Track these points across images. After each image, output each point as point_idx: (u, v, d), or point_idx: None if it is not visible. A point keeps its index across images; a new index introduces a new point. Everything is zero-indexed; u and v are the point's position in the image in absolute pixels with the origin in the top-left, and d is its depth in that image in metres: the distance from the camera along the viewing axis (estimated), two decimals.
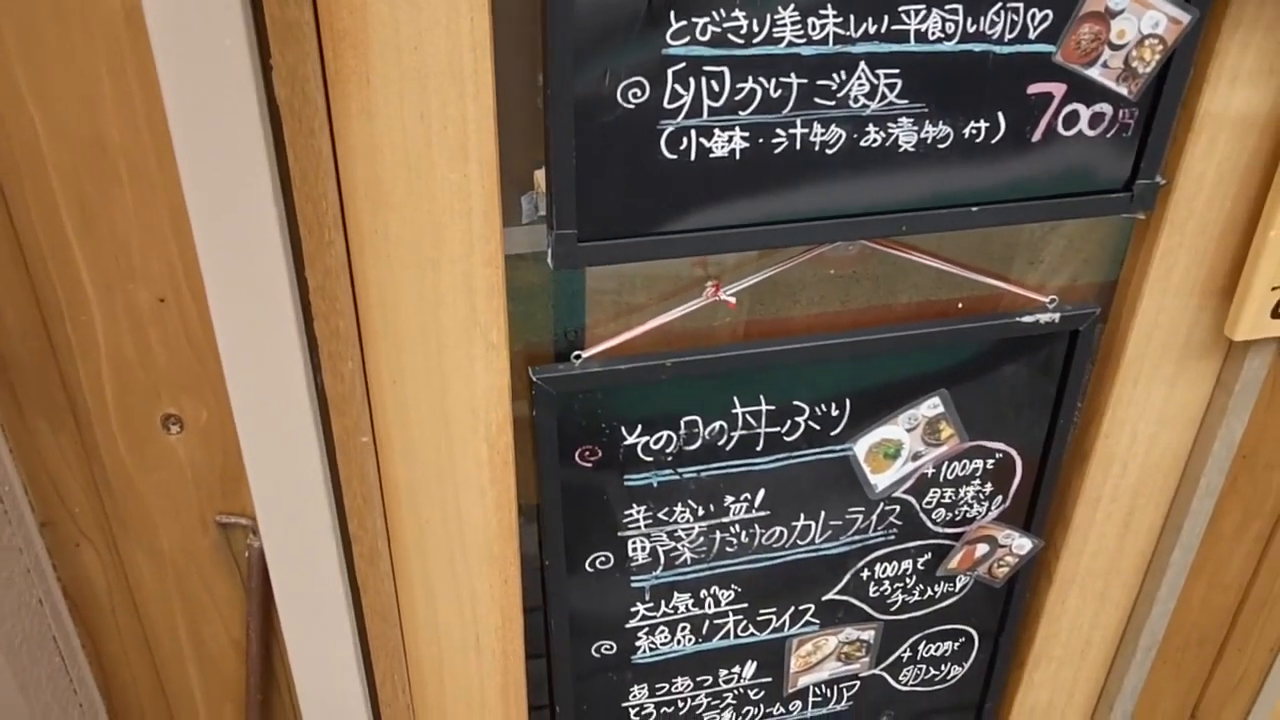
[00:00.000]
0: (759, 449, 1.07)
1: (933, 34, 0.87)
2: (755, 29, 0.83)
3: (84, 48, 0.72)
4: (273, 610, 0.98)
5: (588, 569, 1.10)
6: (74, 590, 0.95)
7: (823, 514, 1.13)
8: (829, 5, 0.84)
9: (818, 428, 1.08)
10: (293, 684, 1.04)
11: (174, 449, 0.88)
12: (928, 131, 0.92)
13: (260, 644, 0.99)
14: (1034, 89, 0.93)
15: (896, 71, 0.88)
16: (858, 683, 1.29)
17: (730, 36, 0.83)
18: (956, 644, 1.31)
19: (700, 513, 1.09)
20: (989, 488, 1.17)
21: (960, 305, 1.07)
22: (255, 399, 0.81)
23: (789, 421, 1.06)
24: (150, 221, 0.78)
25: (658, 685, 1.21)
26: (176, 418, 0.87)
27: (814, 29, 0.84)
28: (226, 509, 0.92)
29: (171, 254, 0.80)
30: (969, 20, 0.88)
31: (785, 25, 0.83)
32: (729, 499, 1.09)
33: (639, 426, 1.02)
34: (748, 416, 1.05)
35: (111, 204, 0.77)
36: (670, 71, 0.83)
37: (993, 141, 0.94)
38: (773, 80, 0.85)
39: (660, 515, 1.08)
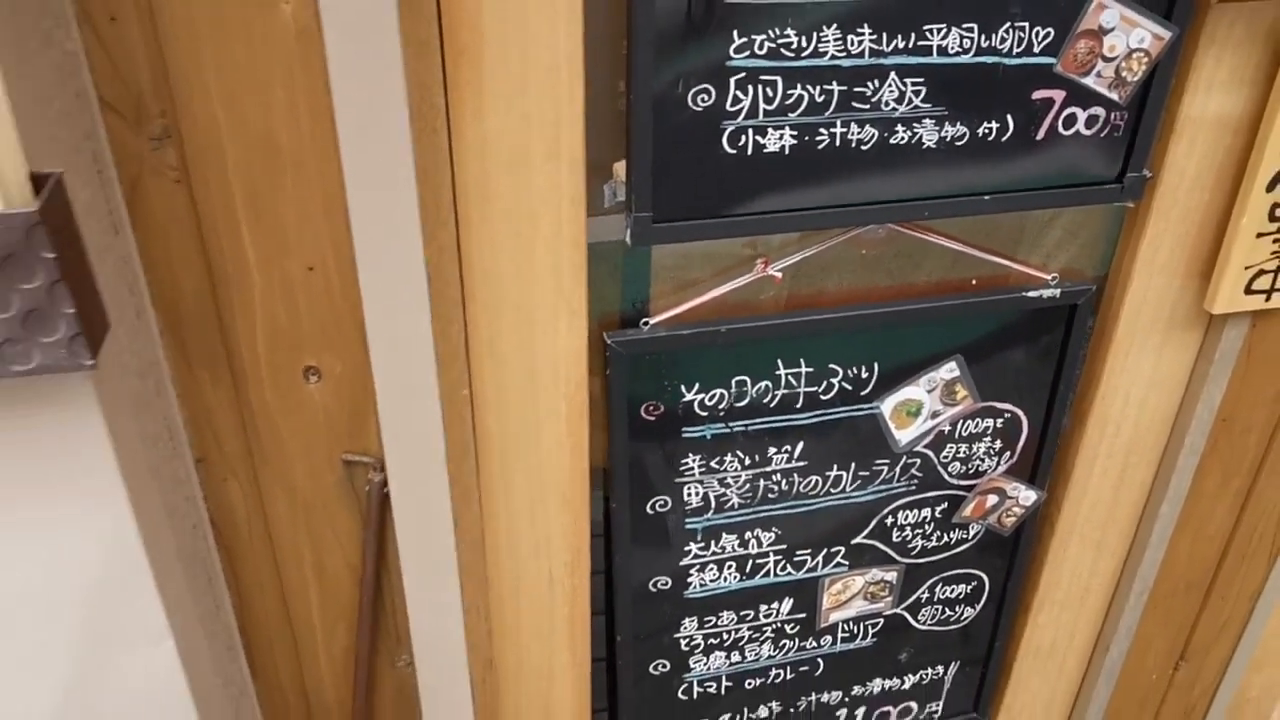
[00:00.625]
0: (798, 406, 1.23)
1: (952, 49, 1.03)
2: (804, 44, 0.99)
3: (263, 61, 0.88)
4: (386, 540, 1.14)
5: (648, 511, 1.26)
6: (219, 519, 1.11)
7: (853, 465, 1.29)
8: (865, 24, 1.00)
9: (849, 388, 1.23)
10: (397, 607, 1.20)
11: (311, 396, 1.04)
12: (947, 131, 1.08)
13: (374, 570, 1.15)
14: (1038, 95, 1.08)
15: (921, 80, 1.04)
16: (881, 620, 1.45)
17: (783, 50, 0.98)
18: (969, 587, 1.46)
19: (747, 462, 1.25)
20: (998, 444, 1.33)
21: (973, 282, 1.23)
22: (391, 353, 0.97)
23: (825, 382, 1.22)
24: (305, 205, 0.94)
25: (706, 619, 1.36)
26: (315, 369, 1.03)
27: (853, 44, 1.00)
28: (352, 449, 1.08)
29: (321, 231, 0.95)
30: (983, 37, 1.04)
31: (829, 41, 0.99)
32: (772, 450, 1.25)
33: (696, 385, 1.18)
34: (789, 377, 1.21)
35: (276, 191, 0.93)
36: (732, 80, 0.99)
37: (1002, 140, 1.10)
38: (817, 87, 1.01)
39: (712, 464, 1.24)
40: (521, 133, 1.00)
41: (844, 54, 1.00)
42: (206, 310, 0.98)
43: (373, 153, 0.88)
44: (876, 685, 1.52)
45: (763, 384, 1.21)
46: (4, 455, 0.81)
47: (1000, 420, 1.31)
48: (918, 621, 1.48)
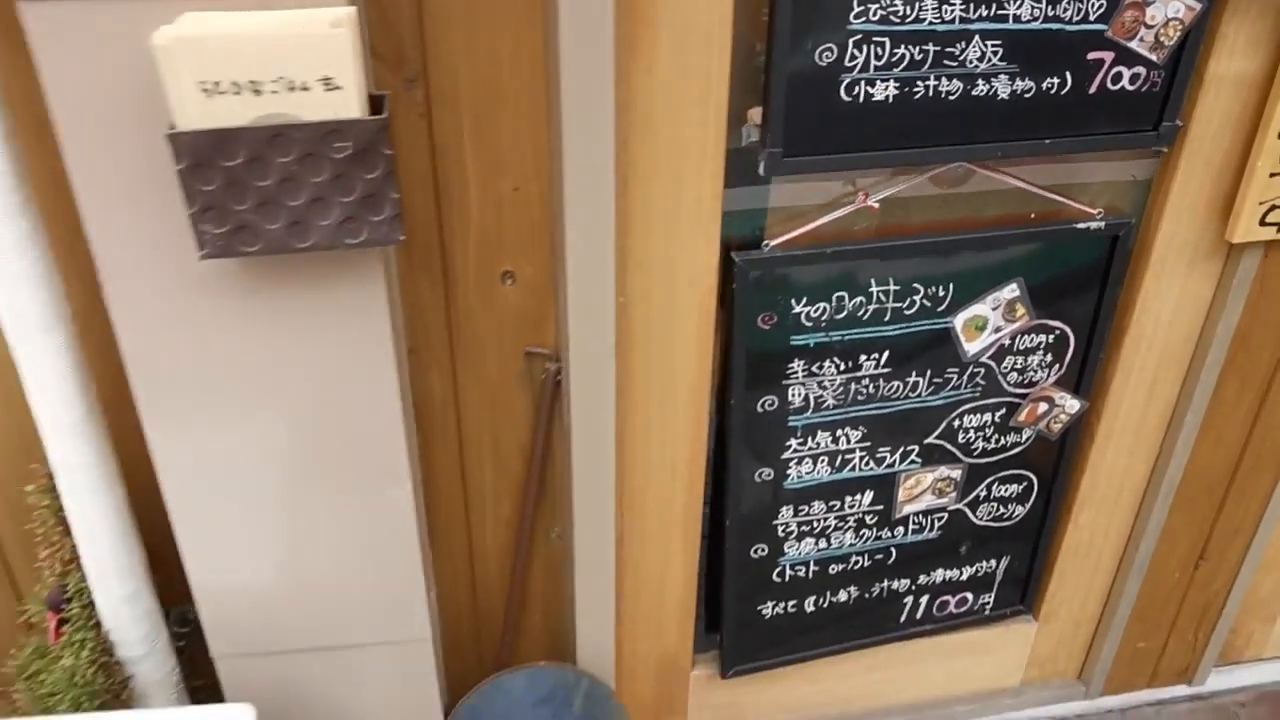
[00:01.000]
0: (886, 319, 1.46)
1: (1025, 16, 1.27)
2: (908, 12, 1.22)
3: (498, 20, 1.11)
4: (554, 424, 1.37)
5: (758, 410, 1.49)
6: (420, 403, 1.34)
7: (928, 372, 1.52)
8: None
9: (928, 304, 1.47)
10: (558, 484, 1.43)
11: (506, 297, 1.28)
12: (1017, 85, 1.31)
13: (542, 449, 1.38)
14: (1091, 56, 1.32)
15: (999, 42, 1.27)
16: (946, 515, 1.68)
17: (891, 17, 1.22)
18: (1020, 487, 1.69)
19: (841, 367, 1.48)
20: (1049, 358, 1.56)
21: (1032, 216, 1.47)
22: (581, 260, 1.21)
23: (908, 299, 1.46)
24: (517, 136, 1.17)
25: (800, 507, 1.60)
26: (511, 273, 1.26)
27: (946, 12, 1.24)
28: (534, 342, 1.31)
29: (526, 158, 1.19)
30: (1049, 6, 1.27)
31: (927, 9, 1.23)
32: (862, 357, 1.49)
33: (804, 299, 1.42)
34: (879, 294, 1.44)
35: (495, 125, 1.16)
36: (850, 40, 1.23)
37: (1062, 93, 1.33)
38: (917, 47, 1.25)
39: (813, 369, 1.47)
40: (680, 83, 1.23)
41: (939, 20, 1.24)
42: (431, 224, 1.22)
43: (585, 98, 1.12)
44: (939, 575, 1.75)
45: (858, 299, 1.44)
46: (322, 312, 1.04)
47: (1051, 336, 1.55)
48: (976, 517, 1.71)
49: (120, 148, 0.95)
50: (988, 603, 1.83)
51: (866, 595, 1.74)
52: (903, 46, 1.25)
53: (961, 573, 1.78)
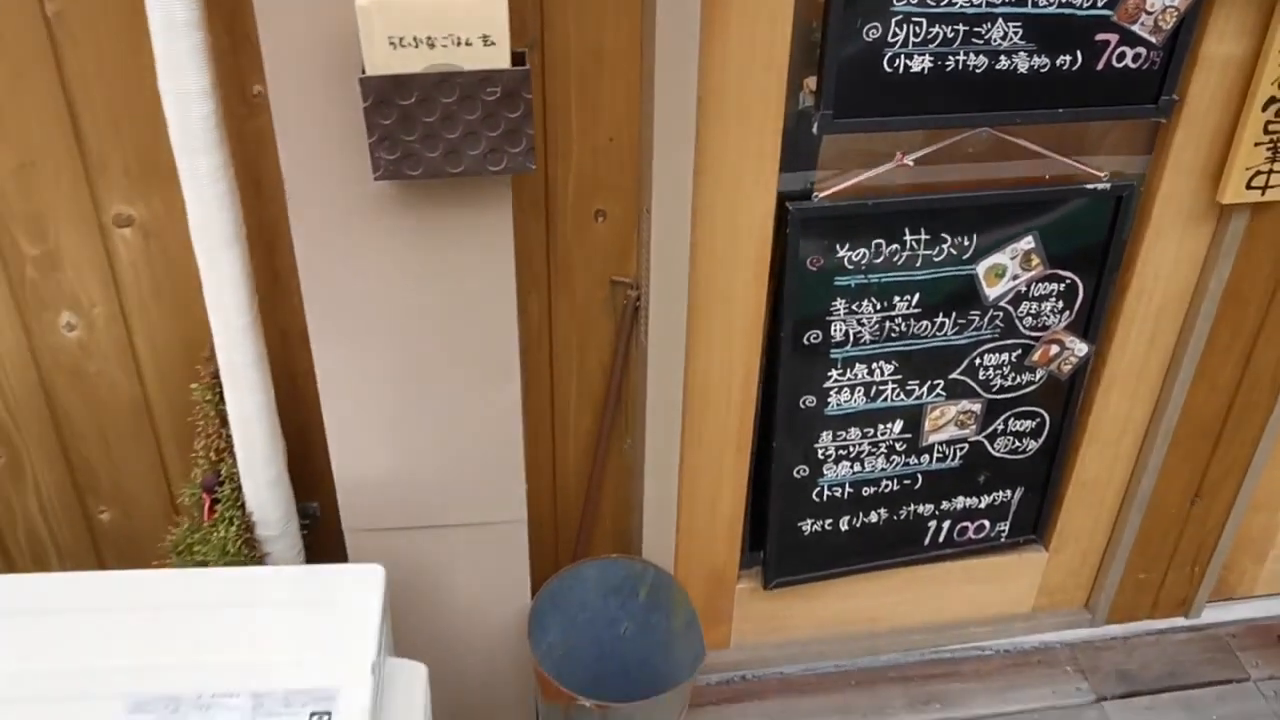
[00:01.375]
0: (917, 265, 1.68)
1: (1042, 2, 1.49)
2: None
3: None
4: (631, 346, 1.60)
5: (804, 343, 1.72)
6: (520, 323, 1.57)
7: (954, 314, 1.74)
8: None
9: (955, 253, 1.69)
10: (633, 399, 1.65)
11: (597, 232, 1.51)
12: (1034, 61, 1.53)
13: (621, 368, 1.61)
14: (1099, 37, 1.54)
15: (1020, 24, 1.49)
16: (967, 445, 1.90)
17: (929, 3, 1.44)
18: (1034, 423, 1.91)
19: (877, 306, 1.71)
20: (1060, 304, 1.78)
21: (1047, 177, 1.68)
22: (666, 202, 1.44)
23: (937, 248, 1.68)
24: (614, 94, 1.41)
25: (838, 432, 1.82)
26: (603, 212, 1.49)
27: None
28: (618, 273, 1.54)
29: (620, 113, 1.42)
30: None
31: None
32: (896, 298, 1.71)
33: (847, 244, 1.64)
34: (912, 242, 1.66)
35: (596, 84, 1.40)
36: (893, 20, 1.45)
37: (1073, 69, 1.55)
38: (948, 27, 1.47)
39: (853, 307, 1.70)
40: (748, 55, 1.46)
41: (968, 4, 1.47)
42: (539, 168, 1.45)
43: (674, 64, 1.35)
44: (960, 502, 1.97)
45: (893, 247, 1.66)
46: (461, 231, 1.28)
47: (1063, 285, 1.76)
48: (994, 449, 1.92)
49: (316, 90, 1.19)
50: (1003, 531, 2.04)
51: (895, 518, 1.95)
52: (937, 26, 1.47)
53: (980, 501, 1.99)
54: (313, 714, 1.22)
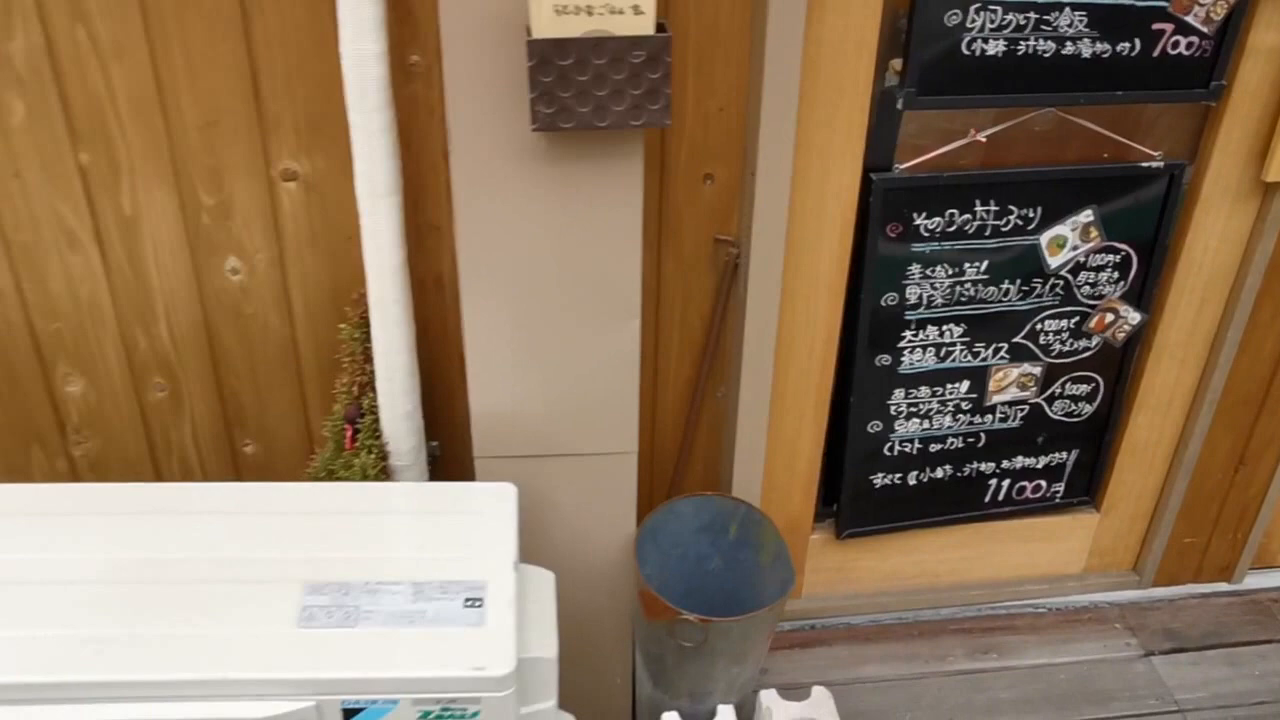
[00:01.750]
0: (986, 234, 1.85)
1: None
2: None
3: None
4: (730, 301, 1.77)
5: (881, 304, 1.88)
6: None
7: (1018, 281, 1.90)
8: None
9: (1020, 224, 1.85)
10: (727, 350, 1.82)
11: (705, 194, 1.69)
12: (1098, 48, 1.70)
13: (719, 320, 1.78)
14: (1155, 26, 1.71)
15: (1085, 13, 1.67)
16: (1027, 407, 2.05)
17: None
18: (1089, 387, 2.06)
19: (949, 272, 1.87)
20: (1115, 275, 1.93)
21: (1105, 155, 1.85)
22: (770, 168, 1.61)
23: (1005, 219, 1.84)
24: (726, 68, 1.59)
25: (910, 390, 1.98)
26: (710, 175, 1.67)
27: None
28: (721, 232, 1.72)
29: (730, 85, 1.60)
30: None
31: None
32: (966, 265, 1.87)
33: (923, 213, 1.81)
34: (982, 213, 1.83)
35: (711, 58, 1.58)
36: (972, 7, 1.62)
37: (1132, 55, 1.72)
38: (1021, 14, 1.65)
39: (927, 271, 1.86)
40: (841, 37, 1.64)
41: None
42: (656, 133, 1.63)
43: (783, 44, 1.53)
44: (1019, 462, 2.12)
45: (965, 216, 1.83)
46: (601, 179, 1.46)
47: (1118, 256, 1.92)
48: (1051, 411, 2.07)
49: (483, 52, 1.38)
50: (1058, 491, 2.18)
51: (958, 474, 2.10)
52: (1011, 13, 1.65)
53: (1038, 461, 2.13)
54: (467, 600, 1.39)
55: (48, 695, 1.26)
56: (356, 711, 1.31)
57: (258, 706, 1.29)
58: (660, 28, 1.36)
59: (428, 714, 1.33)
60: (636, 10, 1.32)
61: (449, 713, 1.33)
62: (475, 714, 1.34)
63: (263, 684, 1.29)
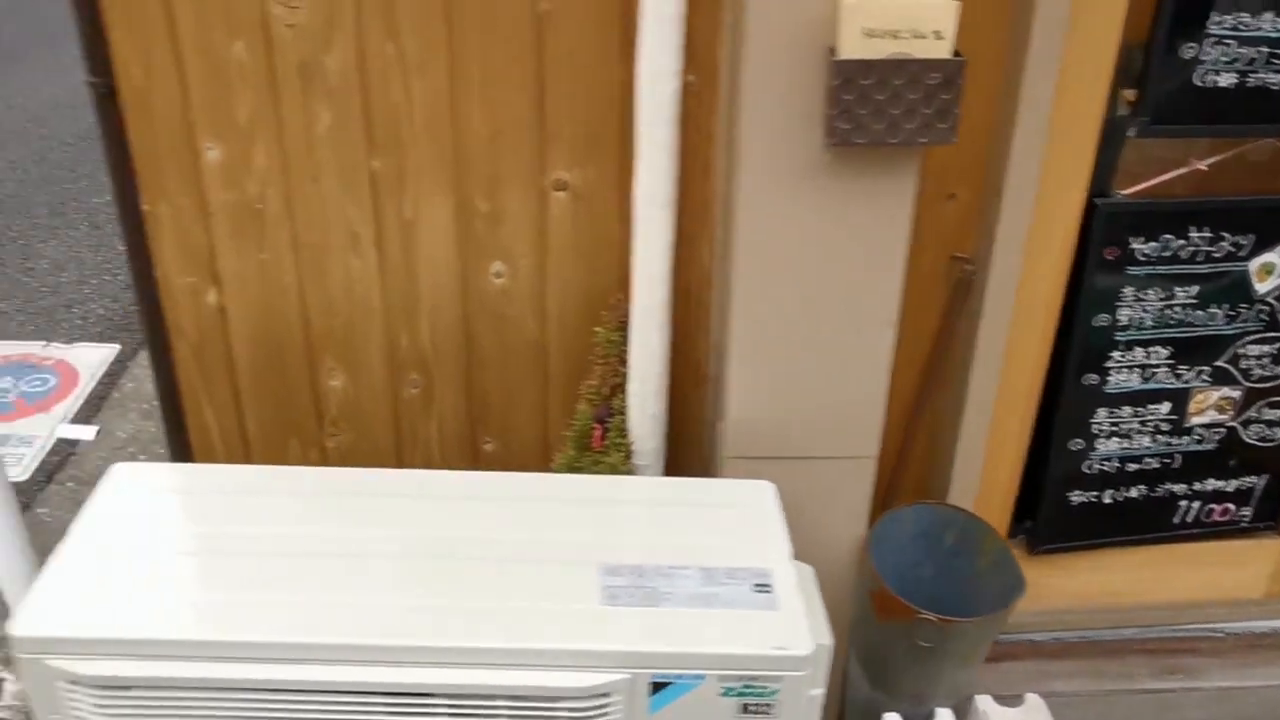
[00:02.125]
0: (1198, 259, 1.92)
1: None
2: (1252, 23, 1.71)
3: (979, 22, 1.62)
4: (959, 313, 1.85)
5: (1093, 325, 1.95)
6: None
7: (1225, 305, 1.97)
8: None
9: (1231, 250, 1.92)
10: (952, 364, 1.89)
11: (946, 212, 1.78)
12: None
13: (948, 333, 1.86)
14: None
15: None
16: (1223, 430, 2.10)
17: (1239, 26, 1.71)
18: None
19: (1160, 295, 1.94)
20: None
21: None
22: (1017, 191, 1.71)
23: (1217, 245, 1.92)
24: (976, 93, 1.68)
25: (1113, 409, 2.04)
26: (954, 195, 1.77)
27: (1277, 22, 1.72)
28: (957, 249, 1.80)
29: (981, 111, 1.70)
30: None
31: (1265, 21, 1.71)
32: (1176, 289, 1.94)
33: (1140, 238, 1.89)
34: (1196, 238, 1.90)
35: (969, 84, 1.67)
36: (1207, 41, 1.71)
37: None
38: (1255, 49, 1.74)
39: (1140, 294, 1.94)
40: (1079, 70, 1.73)
41: (1273, 29, 1.73)
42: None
43: (1039, 75, 1.63)
44: (1210, 484, 2.16)
45: (1180, 241, 1.90)
46: (876, 193, 1.56)
47: None
48: (1246, 435, 2.12)
49: (781, 71, 1.48)
50: (1246, 515, 2.22)
51: (1151, 494, 2.15)
52: (1245, 47, 1.74)
53: (1228, 484, 2.18)
54: (755, 585, 1.47)
55: (383, 658, 1.35)
56: (663, 686, 1.39)
57: (575, 676, 1.37)
58: (955, 52, 1.46)
59: (730, 690, 1.40)
60: (938, 35, 1.42)
61: (750, 690, 1.40)
62: (775, 692, 1.41)
63: (579, 654, 1.37)
